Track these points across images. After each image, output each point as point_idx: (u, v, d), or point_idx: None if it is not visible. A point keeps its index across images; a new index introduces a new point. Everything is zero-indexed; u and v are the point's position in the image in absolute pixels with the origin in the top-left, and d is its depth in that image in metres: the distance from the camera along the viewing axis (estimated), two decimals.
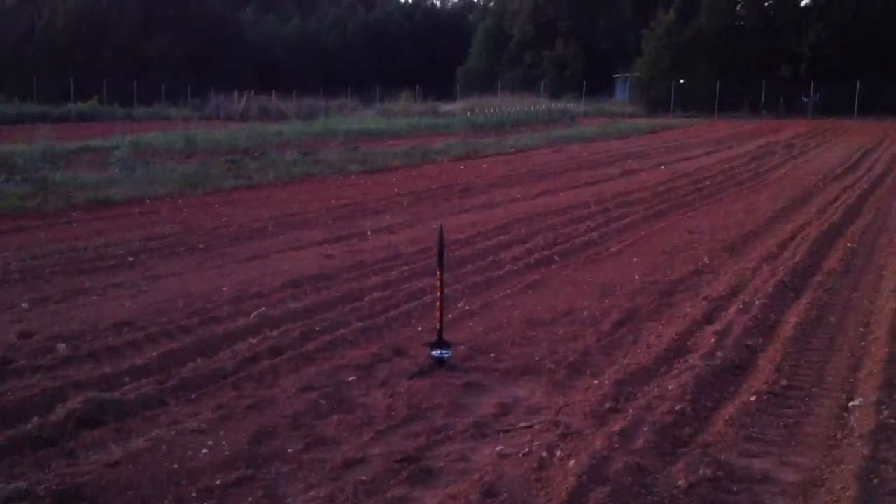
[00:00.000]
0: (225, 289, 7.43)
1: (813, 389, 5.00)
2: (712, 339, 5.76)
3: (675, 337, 5.94)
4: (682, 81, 52.14)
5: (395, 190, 14.80)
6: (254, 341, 5.81)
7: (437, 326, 5.45)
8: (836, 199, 13.73)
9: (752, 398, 4.74)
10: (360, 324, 6.33)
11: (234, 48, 63.15)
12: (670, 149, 25.37)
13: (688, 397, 4.69)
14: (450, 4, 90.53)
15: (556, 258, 8.97)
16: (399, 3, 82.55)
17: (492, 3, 78.02)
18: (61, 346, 5.73)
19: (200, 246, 9.61)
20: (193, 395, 4.91)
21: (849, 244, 9.60)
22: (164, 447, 4.15)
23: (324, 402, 4.79)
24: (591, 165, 20.09)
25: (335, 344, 5.88)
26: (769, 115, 48.26)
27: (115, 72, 53.57)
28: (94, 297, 7.24)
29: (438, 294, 5.48)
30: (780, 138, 29.88)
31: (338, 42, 71.52)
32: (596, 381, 5.13)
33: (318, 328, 6.18)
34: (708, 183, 16.11)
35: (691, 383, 4.88)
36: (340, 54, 69.67)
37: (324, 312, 6.64)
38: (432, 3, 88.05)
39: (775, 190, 15.13)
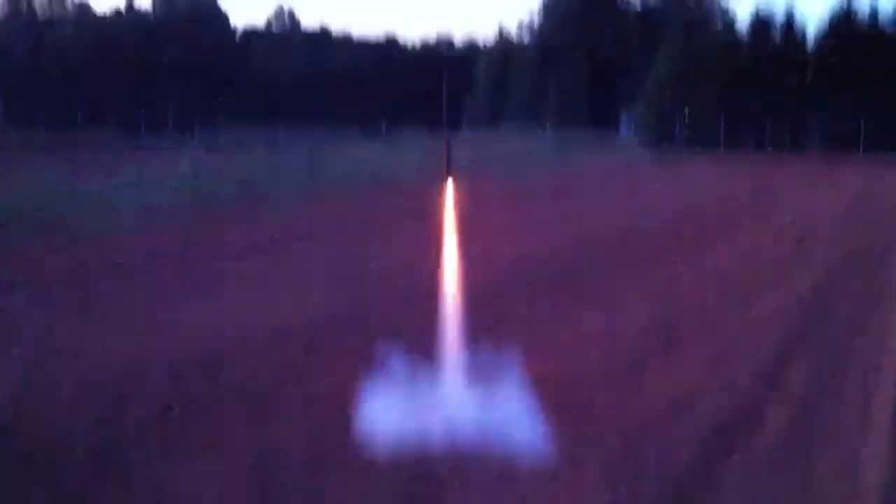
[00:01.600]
0: None
1: None
2: None
3: None
4: (686, 113, 52.13)
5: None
6: None
7: None
8: None
9: None
10: None
11: (242, 80, 63.44)
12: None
13: None
14: (455, 42, 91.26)
15: None
16: (405, 38, 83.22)
17: (496, 41, 78.54)
18: None
19: None
20: None
21: None
22: None
23: None
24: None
25: None
26: (774, 151, 48.26)
27: (123, 96, 53.86)
28: None
29: None
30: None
31: (345, 76, 71.92)
32: None
33: None
34: None
35: None
36: (347, 89, 70.01)
37: None
38: (438, 40, 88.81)
39: None
